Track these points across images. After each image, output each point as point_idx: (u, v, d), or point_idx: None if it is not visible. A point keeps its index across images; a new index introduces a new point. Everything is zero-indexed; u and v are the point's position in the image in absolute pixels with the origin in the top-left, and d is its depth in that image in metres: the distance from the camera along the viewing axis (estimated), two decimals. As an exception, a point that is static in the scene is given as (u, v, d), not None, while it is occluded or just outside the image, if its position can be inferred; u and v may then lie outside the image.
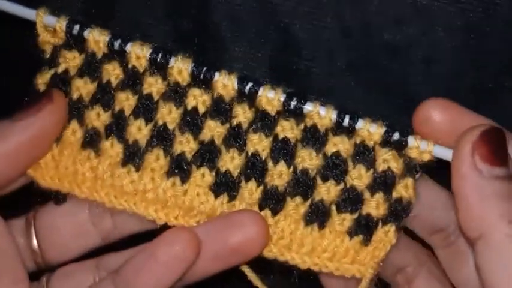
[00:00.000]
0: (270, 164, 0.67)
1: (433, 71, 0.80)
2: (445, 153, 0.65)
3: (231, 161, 0.67)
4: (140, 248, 0.66)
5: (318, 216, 0.66)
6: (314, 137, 0.66)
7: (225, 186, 0.67)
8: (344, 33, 0.79)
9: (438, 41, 0.79)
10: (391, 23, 0.79)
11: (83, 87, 0.69)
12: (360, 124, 0.66)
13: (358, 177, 0.66)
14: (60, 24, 0.68)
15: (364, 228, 0.66)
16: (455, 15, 0.77)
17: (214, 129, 0.67)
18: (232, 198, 0.67)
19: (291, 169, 0.66)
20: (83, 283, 0.70)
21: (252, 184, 0.67)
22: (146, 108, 0.68)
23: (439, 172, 0.67)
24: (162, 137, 0.67)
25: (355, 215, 0.66)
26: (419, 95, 0.81)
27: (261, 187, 0.67)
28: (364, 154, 0.66)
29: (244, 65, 0.82)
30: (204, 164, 0.67)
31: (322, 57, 0.81)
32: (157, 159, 0.67)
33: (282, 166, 0.66)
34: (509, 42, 0.79)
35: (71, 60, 0.69)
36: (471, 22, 0.77)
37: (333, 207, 0.66)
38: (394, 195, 0.66)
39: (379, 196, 0.66)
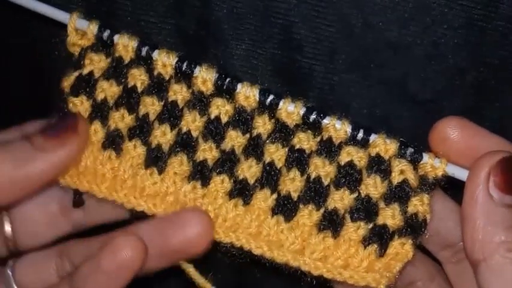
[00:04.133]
0: (284, 172, 0.68)
1: (435, 68, 0.80)
2: (458, 172, 0.66)
3: (248, 169, 0.69)
4: (99, 239, 0.70)
5: (331, 223, 0.67)
6: (329, 148, 0.68)
7: (240, 192, 0.68)
8: (346, 31, 0.79)
9: (440, 39, 0.79)
10: (393, 21, 0.79)
11: (108, 89, 0.71)
12: (374, 138, 0.67)
13: (373, 185, 0.67)
14: (92, 27, 0.71)
15: (379, 238, 0.66)
16: (456, 12, 0.77)
17: (235, 139, 0.69)
18: (246, 204, 0.68)
19: (304, 177, 0.68)
20: (45, 270, 0.73)
21: (266, 191, 0.68)
22: (171, 115, 0.70)
23: (450, 189, 0.68)
24: (186, 143, 0.69)
25: (370, 225, 0.67)
26: (421, 93, 0.82)
27: (275, 195, 0.68)
28: (379, 165, 0.67)
29: (246, 63, 0.82)
30: (224, 171, 0.69)
31: (323, 55, 0.81)
32: (181, 164, 0.69)
33: (295, 173, 0.68)
34: (511, 39, 0.79)
35: (97, 62, 0.71)
36: (472, 19, 0.77)
37: (347, 215, 0.67)
38: (410, 209, 0.66)
39: (394, 206, 0.66)
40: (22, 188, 0.65)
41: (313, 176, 0.68)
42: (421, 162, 0.66)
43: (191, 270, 0.72)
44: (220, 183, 0.68)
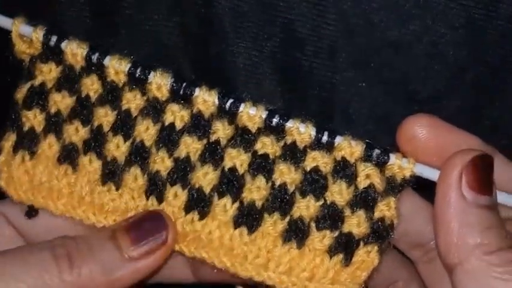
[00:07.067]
0: (248, 179, 0.65)
1: (435, 67, 0.80)
2: (427, 172, 0.64)
3: (204, 177, 0.65)
4: None
5: (297, 233, 0.65)
6: (293, 153, 0.65)
7: (196, 203, 0.66)
8: (347, 30, 0.80)
9: (440, 38, 0.79)
10: (394, 20, 0.79)
11: (61, 102, 0.68)
12: (339, 140, 0.65)
13: (339, 192, 0.65)
14: (37, 34, 0.67)
15: (345, 247, 0.64)
16: (457, 11, 0.78)
17: (190, 146, 0.66)
18: (203, 216, 0.66)
19: (269, 184, 0.65)
20: None
21: (227, 200, 0.65)
22: (124, 125, 0.67)
23: (419, 189, 0.67)
24: (139, 155, 0.66)
25: (336, 233, 0.65)
26: (421, 92, 0.82)
27: (237, 203, 0.65)
28: (344, 170, 0.65)
29: (247, 61, 0.82)
30: (177, 182, 0.66)
31: (324, 53, 0.81)
32: (135, 179, 0.66)
33: (259, 181, 0.65)
34: (511, 38, 0.79)
35: (47, 73, 0.68)
36: (473, 19, 0.78)
37: (313, 224, 0.65)
38: (376, 214, 0.64)
39: (360, 214, 0.64)
40: None
41: (278, 183, 0.65)
42: (388, 163, 0.64)
43: None
44: (174, 196, 0.65)
